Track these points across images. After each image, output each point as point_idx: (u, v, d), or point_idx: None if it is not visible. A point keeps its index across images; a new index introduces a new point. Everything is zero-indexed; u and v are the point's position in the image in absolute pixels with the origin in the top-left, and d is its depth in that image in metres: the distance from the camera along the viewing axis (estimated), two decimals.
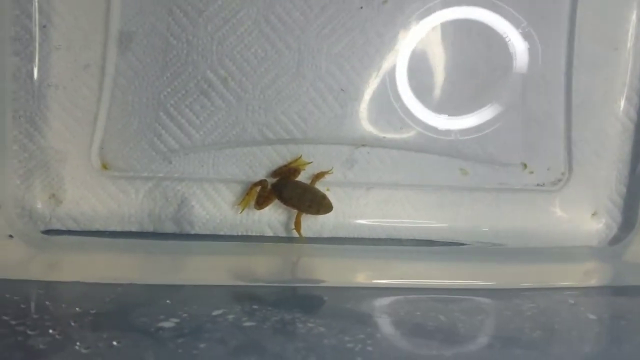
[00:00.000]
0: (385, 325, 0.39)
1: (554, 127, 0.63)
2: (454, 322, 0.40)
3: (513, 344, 0.37)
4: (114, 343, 0.35)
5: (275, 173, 0.62)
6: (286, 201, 0.60)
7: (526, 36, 0.62)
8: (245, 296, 0.47)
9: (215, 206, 0.61)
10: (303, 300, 0.46)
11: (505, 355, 0.36)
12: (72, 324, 0.38)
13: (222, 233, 0.61)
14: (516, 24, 0.62)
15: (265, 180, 0.61)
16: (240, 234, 0.61)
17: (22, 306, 0.41)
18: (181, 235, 0.60)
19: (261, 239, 0.61)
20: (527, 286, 0.50)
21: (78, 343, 0.35)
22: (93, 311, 0.40)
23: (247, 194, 0.61)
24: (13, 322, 0.38)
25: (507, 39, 0.61)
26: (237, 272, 0.55)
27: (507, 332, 0.39)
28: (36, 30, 0.56)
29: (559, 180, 0.64)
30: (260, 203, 0.60)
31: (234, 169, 0.61)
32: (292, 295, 0.48)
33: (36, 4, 0.56)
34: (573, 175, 0.63)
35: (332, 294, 0.46)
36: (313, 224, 0.62)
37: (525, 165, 0.63)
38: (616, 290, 0.53)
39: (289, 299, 0.46)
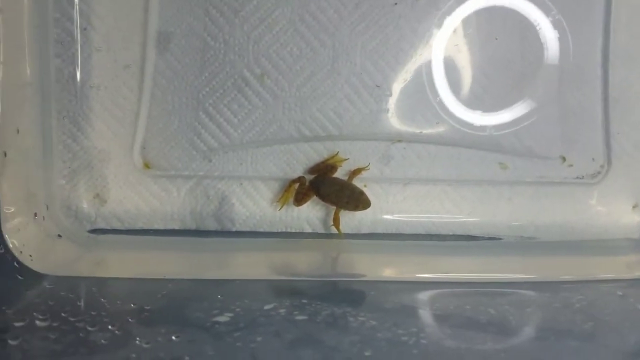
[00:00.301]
0: (436, 318, 0.40)
1: (592, 120, 0.62)
2: (504, 315, 0.40)
3: (566, 336, 0.37)
4: (173, 337, 0.36)
5: (312, 170, 0.62)
6: (324, 197, 0.60)
7: (557, 25, 0.61)
8: (291, 290, 0.47)
9: (255, 203, 0.61)
10: (349, 294, 0.47)
11: (560, 347, 0.36)
12: (130, 320, 0.39)
13: (262, 230, 0.61)
14: (547, 11, 0.61)
15: (303, 177, 0.62)
16: (279, 230, 0.62)
17: (79, 303, 0.42)
18: (222, 233, 0.61)
19: (300, 235, 0.62)
20: (571, 279, 0.50)
21: (138, 338, 0.36)
22: (148, 307, 0.41)
23: (286, 191, 0.62)
24: (72, 319, 0.39)
25: (538, 29, 0.61)
26: (280, 267, 0.56)
27: (559, 324, 0.39)
28: (77, 33, 0.58)
29: (598, 173, 0.63)
30: (299, 200, 0.61)
31: (271, 167, 0.62)
32: (337, 290, 0.48)
33: (76, 6, 0.58)
34: (612, 168, 0.63)
35: (377, 288, 0.47)
36: (351, 220, 0.62)
37: (564, 159, 0.63)
38: None
39: (335, 293, 0.47)
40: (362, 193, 0.60)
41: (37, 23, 0.55)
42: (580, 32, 0.61)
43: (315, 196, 0.61)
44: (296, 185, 0.61)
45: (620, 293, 0.45)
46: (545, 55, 0.62)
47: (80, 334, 0.36)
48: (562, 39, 0.61)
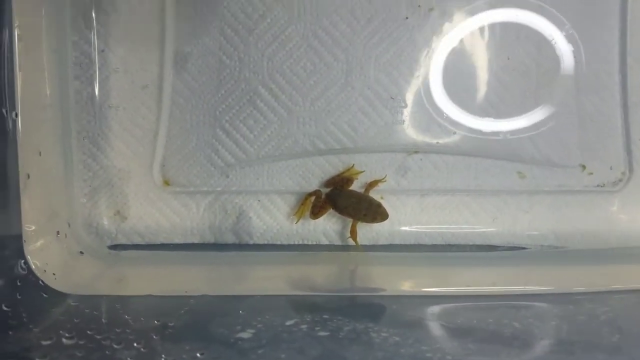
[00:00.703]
0: (459, 333, 0.39)
1: (612, 127, 0.62)
2: (529, 329, 0.39)
3: (594, 348, 0.37)
4: (198, 355, 0.36)
5: (328, 183, 0.62)
6: (341, 210, 0.61)
7: (571, 38, 0.61)
8: (312, 305, 0.47)
9: (272, 217, 0.62)
10: (370, 308, 0.46)
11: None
12: (154, 336, 0.39)
13: (279, 243, 0.62)
14: (560, 25, 0.61)
15: (319, 191, 0.62)
16: (296, 243, 0.62)
17: (103, 321, 0.42)
18: (241, 246, 0.61)
19: (317, 247, 0.62)
20: (596, 289, 0.50)
21: (163, 355, 0.36)
22: (171, 324, 0.41)
23: (302, 204, 0.62)
24: (98, 337, 0.40)
25: (552, 40, 0.61)
26: (298, 281, 0.56)
27: (585, 336, 0.39)
28: (95, 55, 0.59)
29: (620, 181, 0.62)
30: (316, 213, 0.61)
31: (287, 180, 0.62)
32: (357, 304, 0.48)
33: (94, 29, 0.59)
34: (634, 175, 0.62)
35: (398, 302, 0.46)
36: (368, 232, 0.62)
37: (584, 167, 0.62)
38: None
39: (355, 307, 0.47)
40: (379, 205, 0.60)
41: (56, 47, 0.56)
42: (595, 39, 0.61)
43: (331, 209, 0.62)
44: (312, 199, 0.62)
45: None
46: (561, 63, 0.61)
47: (107, 352, 0.37)
48: (576, 48, 0.61)
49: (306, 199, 0.62)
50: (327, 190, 0.62)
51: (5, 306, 0.43)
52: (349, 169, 0.62)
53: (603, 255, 0.60)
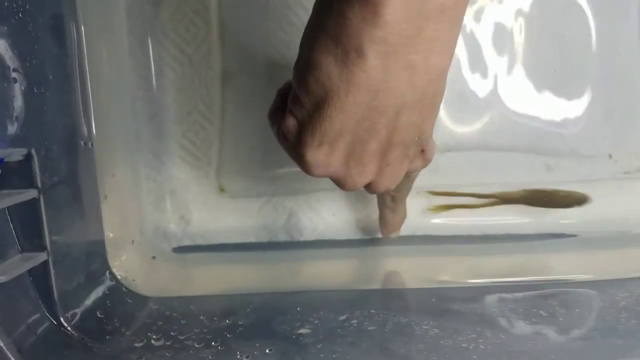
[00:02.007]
0: (491, 323, 0.45)
1: (635, 117, 0.65)
2: (555, 316, 0.44)
3: (611, 334, 0.41)
4: (267, 351, 0.43)
5: None
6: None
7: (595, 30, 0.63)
8: (359, 300, 0.53)
9: (318, 214, 0.68)
10: (411, 301, 0.52)
11: (604, 346, 0.40)
12: (228, 335, 0.46)
13: (326, 238, 0.68)
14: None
15: None
16: (342, 238, 0.68)
17: (183, 322, 0.49)
18: (293, 243, 0.67)
19: (360, 242, 0.68)
20: (624, 276, 0.54)
21: (238, 353, 0.43)
22: (241, 322, 0.48)
23: None
24: (181, 337, 0.47)
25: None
26: (346, 276, 0.62)
27: (605, 322, 0.44)
28: (153, 79, 0.65)
29: None
30: None
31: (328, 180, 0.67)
32: (399, 297, 0.54)
33: (150, 55, 0.65)
34: None
35: (437, 295, 0.52)
36: (404, 225, 0.67)
37: (610, 156, 0.66)
38: None
39: (398, 300, 0.53)
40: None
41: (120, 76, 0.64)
42: (617, 32, 0.63)
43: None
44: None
45: None
46: (587, 53, 0.64)
47: (191, 351, 0.44)
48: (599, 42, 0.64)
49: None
50: None
51: (99, 314, 0.52)
52: None
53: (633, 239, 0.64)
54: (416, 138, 0.41)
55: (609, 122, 0.65)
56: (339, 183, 0.45)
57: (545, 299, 0.48)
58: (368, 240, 0.68)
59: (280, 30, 0.64)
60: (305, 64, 0.38)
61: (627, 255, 0.59)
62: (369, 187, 0.45)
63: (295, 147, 0.42)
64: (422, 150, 0.44)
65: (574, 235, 0.65)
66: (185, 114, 0.66)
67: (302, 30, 0.40)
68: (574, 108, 0.65)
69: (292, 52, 0.64)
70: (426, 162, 0.47)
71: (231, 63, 0.65)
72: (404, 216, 0.63)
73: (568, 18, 0.63)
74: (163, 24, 0.64)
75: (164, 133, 0.66)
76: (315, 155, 0.41)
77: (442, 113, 0.65)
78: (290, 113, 0.41)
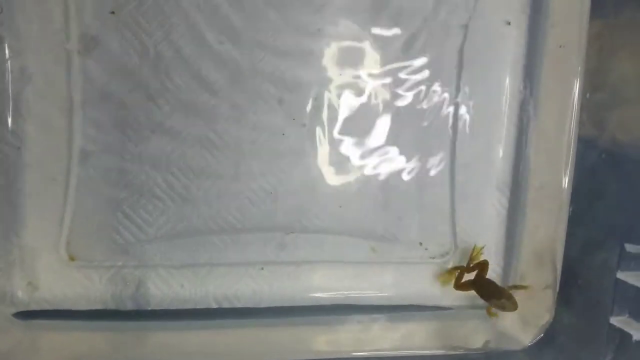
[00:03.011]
0: None
1: (442, 214, 0.79)
2: None
3: None
4: None
5: (467, 267, 0.76)
6: (482, 295, 0.74)
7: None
8: None
9: (168, 286, 0.73)
10: None
11: None
12: None
13: (173, 308, 0.74)
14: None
15: (464, 267, 0.77)
16: (189, 307, 0.74)
17: None
18: (140, 313, 0.72)
19: (214, 312, 0.74)
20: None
21: None
22: None
23: (449, 272, 0.76)
24: None
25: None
26: (197, 348, 0.68)
27: None
28: (11, 152, 0.67)
29: (447, 253, 0.80)
30: (459, 285, 0.76)
31: (182, 255, 0.73)
32: None
33: (9, 130, 0.67)
34: (457, 250, 0.80)
35: None
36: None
37: (420, 243, 0.79)
38: None
39: None
40: (510, 296, 0.72)
41: None
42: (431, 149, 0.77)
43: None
44: (457, 272, 0.76)
45: None
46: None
47: None
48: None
49: (454, 269, 0.76)
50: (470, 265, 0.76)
51: None
52: (475, 251, 0.77)
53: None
54: None
55: (421, 217, 0.78)
56: None
57: None
58: (229, 310, 0.74)
59: (140, 118, 0.69)
60: None
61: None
62: None
63: None
64: None
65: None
66: (39, 188, 0.68)
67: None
68: (394, 207, 0.78)
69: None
70: None
71: (90, 142, 0.69)
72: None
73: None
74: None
75: (18, 204, 0.68)
76: None
77: (288, 201, 0.74)
78: None
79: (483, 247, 0.77)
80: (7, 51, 0.65)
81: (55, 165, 0.68)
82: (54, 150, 0.68)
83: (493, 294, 0.73)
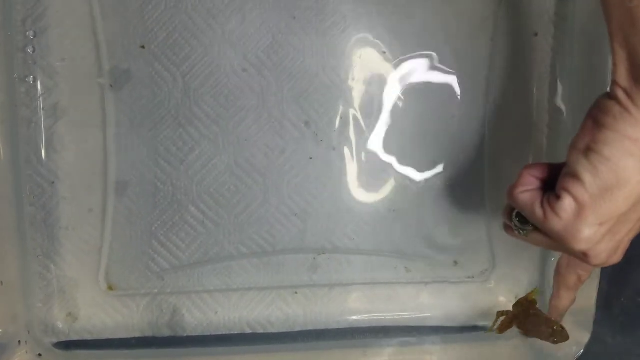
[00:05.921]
0: None
1: (478, 233, 0.77)
2: None
3: None
4: None
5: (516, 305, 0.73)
6: (527, 332, 0.70)
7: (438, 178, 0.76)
8: None
9: (202, 312, 0.74)
10: None
11: None
12: None
13: (208, 334, 0.74)
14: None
15: (509, 311, 0.73)
16: (224, 333, 0.75)
17: None
18: (176, 339, 0.73)
19: (245, 337, 0.74)
20: None
21: None
22: None
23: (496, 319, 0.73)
24: None
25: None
26: None
27: None
28: (46, 186, 0.69)
29: (484, 272, 0.78)
30: (502, 329, 0.72)
31: (215, 281, 0.74)
32: None
33: (44, 164, 0.69)
34: (496, 268, 0.78)
35: None
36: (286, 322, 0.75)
37: (456, 262, 0.77)
38: None
39: None
40: (562, 328, 0.66)
41: (11, 179, 0.67)
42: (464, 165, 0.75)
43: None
44: (502, 317, 0.72)
45: None
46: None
47: None
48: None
49: (499, 315, 0.73)
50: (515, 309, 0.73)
51: None
52: (532, 292, 0.74)
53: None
54: None
55: (455, 237, 0.76)
56: (590, 257, 0.48)
57: None
58: (251, 335, 0.75)
59: (171, 147, 0.70)
60: (595, 153, 0.43)
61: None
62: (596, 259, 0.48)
63: (572, 223, 0.45)
64: None
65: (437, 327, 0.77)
66: (77, 219, 0.70)
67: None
68: (428, 225, 0.76)
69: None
70: None
71: (125, 173, 0.71)
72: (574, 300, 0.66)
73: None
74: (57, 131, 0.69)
75: (55, 236, 0.70)
76: (593, 232, 0.45)
77: (319, 223, 0.74)
78: (567, 192, 0.45)
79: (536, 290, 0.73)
80: (39, 88, 0.68)
81: (91, 197, 0.70)
82: (89, 182, 0.70)
83: (540, 330, 0.67)
